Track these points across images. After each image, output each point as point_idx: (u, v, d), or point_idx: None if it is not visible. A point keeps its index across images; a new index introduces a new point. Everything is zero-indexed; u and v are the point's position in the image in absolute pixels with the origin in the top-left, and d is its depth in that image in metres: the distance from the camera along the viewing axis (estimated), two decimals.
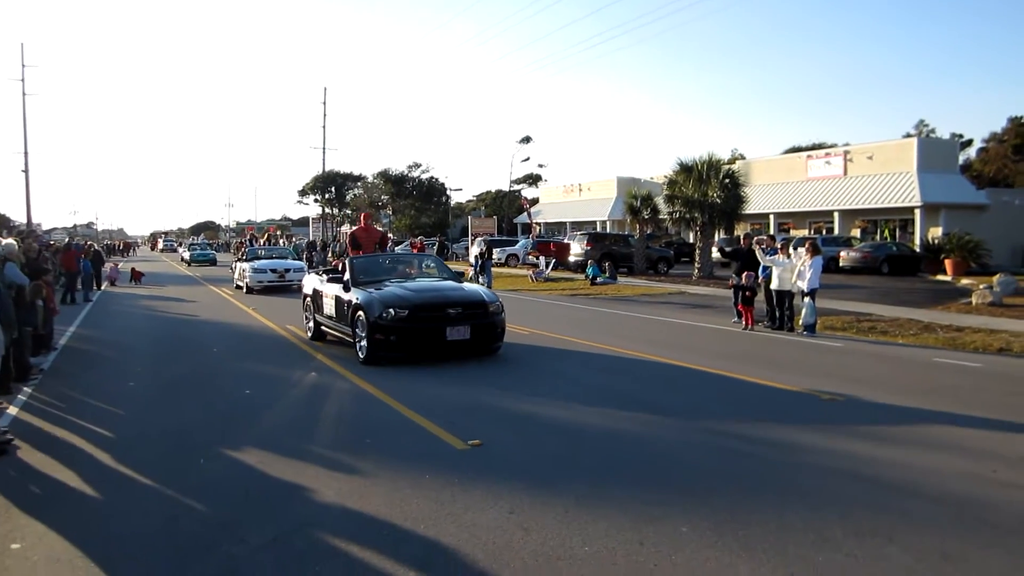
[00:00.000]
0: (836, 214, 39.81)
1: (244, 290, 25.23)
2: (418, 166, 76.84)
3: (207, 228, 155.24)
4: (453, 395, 8.82)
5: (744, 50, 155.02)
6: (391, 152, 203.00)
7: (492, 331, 11.20)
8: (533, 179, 78.30)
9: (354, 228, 14.17)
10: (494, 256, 40.91)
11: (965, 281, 26.46)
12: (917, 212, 35.97)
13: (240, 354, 12.51)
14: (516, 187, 75.90)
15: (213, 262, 50.80)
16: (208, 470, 6.20)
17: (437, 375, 10.06)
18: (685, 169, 30.32)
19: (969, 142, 56.67)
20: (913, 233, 36.49)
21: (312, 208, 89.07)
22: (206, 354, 12.50)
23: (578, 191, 60.64)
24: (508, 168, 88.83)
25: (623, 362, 11.31)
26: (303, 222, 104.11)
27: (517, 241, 46.61)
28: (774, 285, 15.00)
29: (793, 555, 4.40)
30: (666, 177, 31.80)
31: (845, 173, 39.73)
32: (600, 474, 5.94)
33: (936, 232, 34.98)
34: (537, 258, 35.35)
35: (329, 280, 12.54)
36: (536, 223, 46.20)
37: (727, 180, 29.79)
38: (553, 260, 34.08)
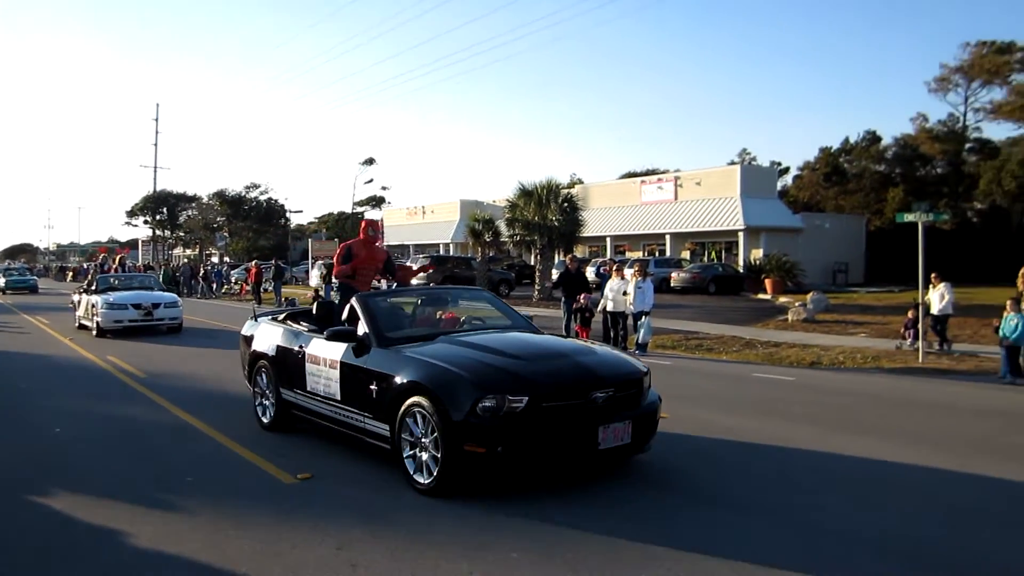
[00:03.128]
0: (668, 236, 41.85)
1: (94, 332, 18.74)
2: (256, 187, 74.58)
3: (24, 251, 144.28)
4: None
5: (581, 80, 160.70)
6: (228, 173, 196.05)
7: (651, 422, 6.57)
8: (377, 201, 77.60)
9: (349, 241, 10.06)
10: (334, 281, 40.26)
11: (783, 299, 28.43)
12: (740, 235, 38.42)
13: (51, 390, 11.56)
14: (359, 209, 74.99)
15: (33, 289, 47.04)
16: (8, 520, 5.67)
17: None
18: (525, 193, 30.97)
19: (786, 170, 60.98)
20: (737, 254, 38.93)
21: (142, 230, 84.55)
22: (11, 391, 11.49)
23: (422, 214, 60.63)
24: (351, 190, 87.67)
25: None
26: (132, 244, 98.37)
27: None
28: (609, 307, 15.53)
29: (618, 575, 4.51)
30: (508, 201, 32.41)
31: (676, 198, 41.87)
32: (431, 503, 5.86)
33: (757, 253, 37.47)
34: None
35: (330, 337, 7.13)
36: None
37: (566, 204, 30.71)
38: (395, 284, 33.73)
